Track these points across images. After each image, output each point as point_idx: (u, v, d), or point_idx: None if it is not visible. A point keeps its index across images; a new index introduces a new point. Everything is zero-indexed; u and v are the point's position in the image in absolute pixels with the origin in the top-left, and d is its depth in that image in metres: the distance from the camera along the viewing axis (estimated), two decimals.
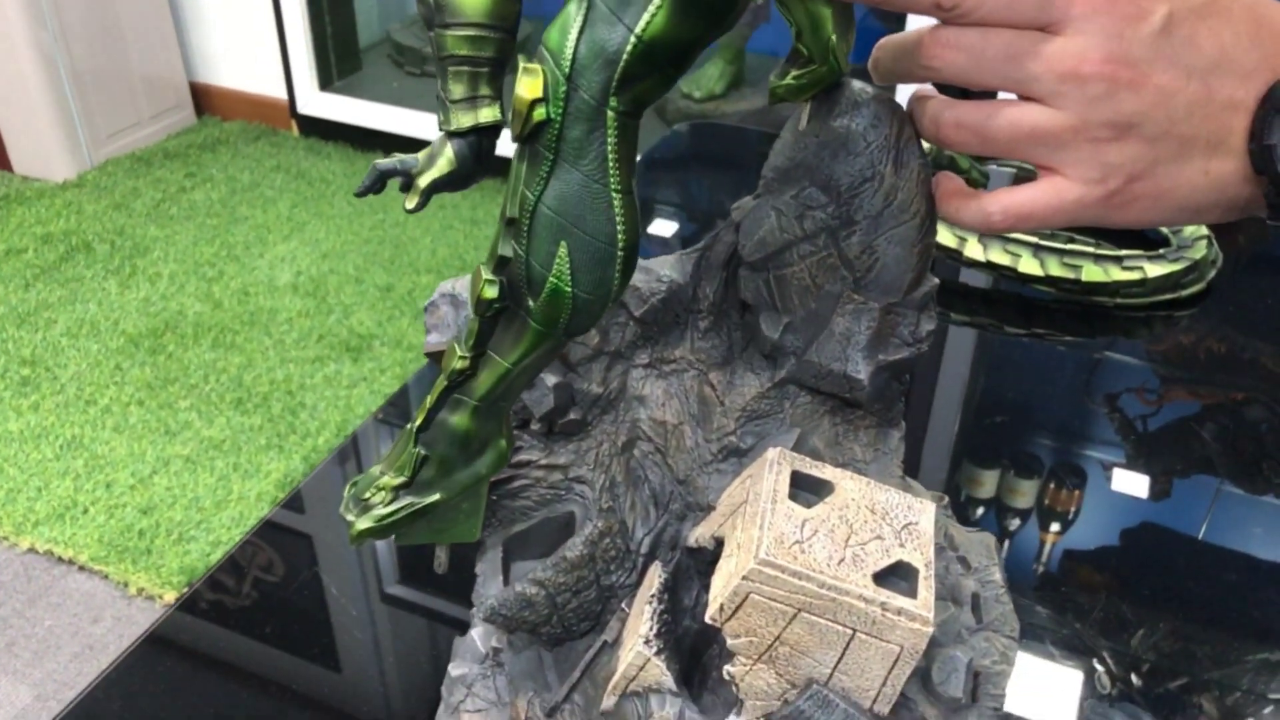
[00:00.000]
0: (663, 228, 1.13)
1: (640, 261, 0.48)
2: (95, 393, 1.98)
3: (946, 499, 0.59)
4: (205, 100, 3.18)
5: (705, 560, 0.49)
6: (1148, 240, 1.05)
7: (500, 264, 0.37)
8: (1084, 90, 0.36)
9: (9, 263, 2.39)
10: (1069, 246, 0.99)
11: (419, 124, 2.81)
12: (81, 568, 1.63)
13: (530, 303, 0.37)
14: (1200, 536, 0.77)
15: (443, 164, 0.37)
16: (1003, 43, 0.37)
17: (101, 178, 2.79)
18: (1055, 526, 0.80)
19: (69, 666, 1.49)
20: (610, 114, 0.34)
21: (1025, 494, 0.84)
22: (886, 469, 0.51)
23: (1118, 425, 0.89)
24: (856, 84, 0.46)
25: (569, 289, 0.36)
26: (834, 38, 0.41)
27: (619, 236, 0.36)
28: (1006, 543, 0.79)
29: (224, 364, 2.06)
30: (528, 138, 0.35)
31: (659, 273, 0.51)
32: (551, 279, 0.36)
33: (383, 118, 2.88)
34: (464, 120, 0.37)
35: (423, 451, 0.42)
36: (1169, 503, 0.81)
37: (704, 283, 0.51)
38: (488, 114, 0.37)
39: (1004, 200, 0.40)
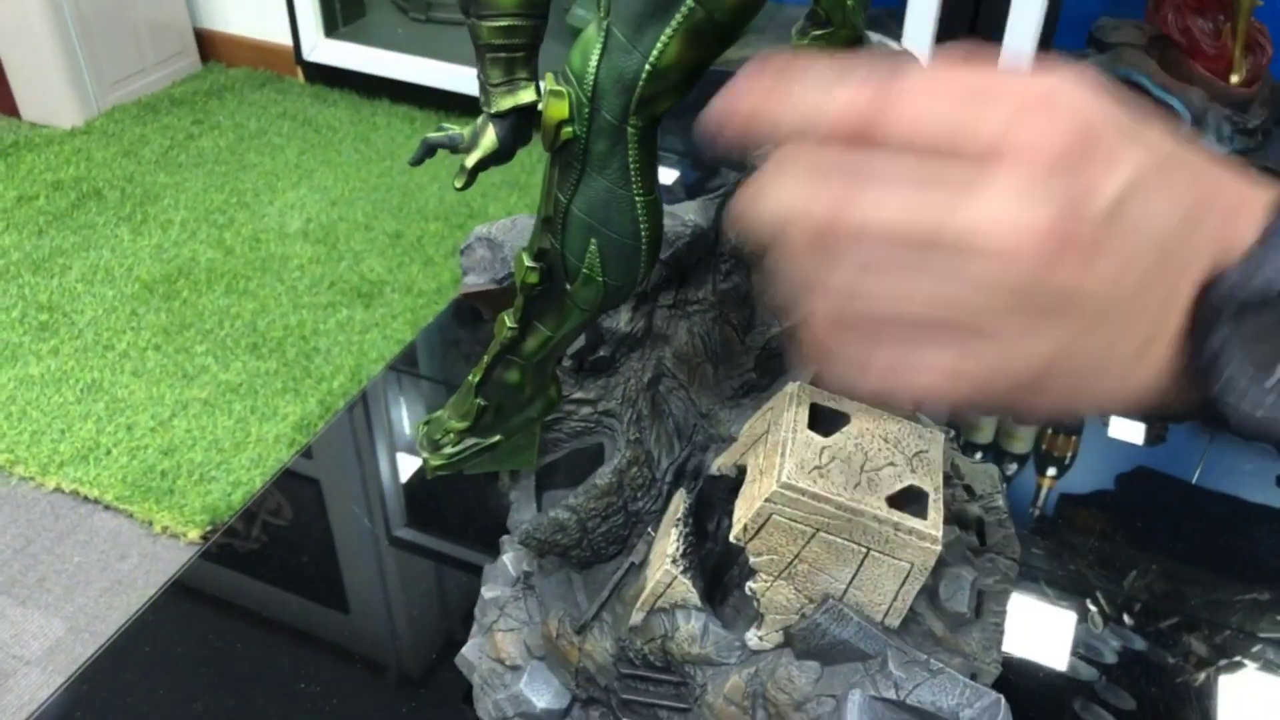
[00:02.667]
0: (665, 175, 1.15)
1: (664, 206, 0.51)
2: (113, 338, 2.01)
3: (953, 432, 0.62)
4: (210, 47, 3.17)
5: (726, 488, 0.52)
6: None
7: (540, 253, 0.41)
8: (1019, 263, 0.29)
9: (21, 209, 2.41)
10: None
11: (424, 71, 2.80)
12: (107, 507, 1.68)
13: (568, 286, 0.41)
14: (1194, 481, 0.80)
15: (487, 144, 0.41)
16: (930, 180, 0.30)
17: (109, 125, 2.79)
18: (1052, 471, 0.83)
19: (99, 601, 1.54)
20: (630, 130, 0.37)
21: (1023, 439, 0.87)
22: (898, 405, 0.54)
23: None
24: (875, 38, 0.48)
25: (600, 278, 0.40)
26: (851, 2, 0.44)
27: (643, 234, 0.39)
28: (1005, 485, 0.82)
29: (238, 309, 2.09)
30: (558, 150, 0.38)
31: (683, 218, 0.53)
32: (584, 270, 0.40)
33: (388, 64, 2.88)
34: (504, 103, 0.40)
35: (482, 402, 0.47)
36: (1164, 448, 0.84)
37: (727, 227, 0.54)
38: (525, 95, 0.40)
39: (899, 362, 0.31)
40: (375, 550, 0.74)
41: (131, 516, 1.66)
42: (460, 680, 0.59)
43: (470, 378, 0.47)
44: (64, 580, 1.57)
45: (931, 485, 0.46)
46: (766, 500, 0.44)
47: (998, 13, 2.14)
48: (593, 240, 0.39)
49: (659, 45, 0.34)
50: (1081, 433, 0.85)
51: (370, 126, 2.79)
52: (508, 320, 0.44)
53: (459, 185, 0.41)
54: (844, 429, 0.47)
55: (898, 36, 2.18)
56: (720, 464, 0.52)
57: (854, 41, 0.47)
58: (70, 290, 2.15)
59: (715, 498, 0.54)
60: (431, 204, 2.42)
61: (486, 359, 0.46)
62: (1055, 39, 2.47)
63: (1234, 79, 2.31)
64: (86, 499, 1.69)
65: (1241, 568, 0.72)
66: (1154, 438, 0.84)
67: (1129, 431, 0.84)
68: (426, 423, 0.50)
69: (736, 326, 0.54)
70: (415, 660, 0.66)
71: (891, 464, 0.46)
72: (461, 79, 2.69)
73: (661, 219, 0.40)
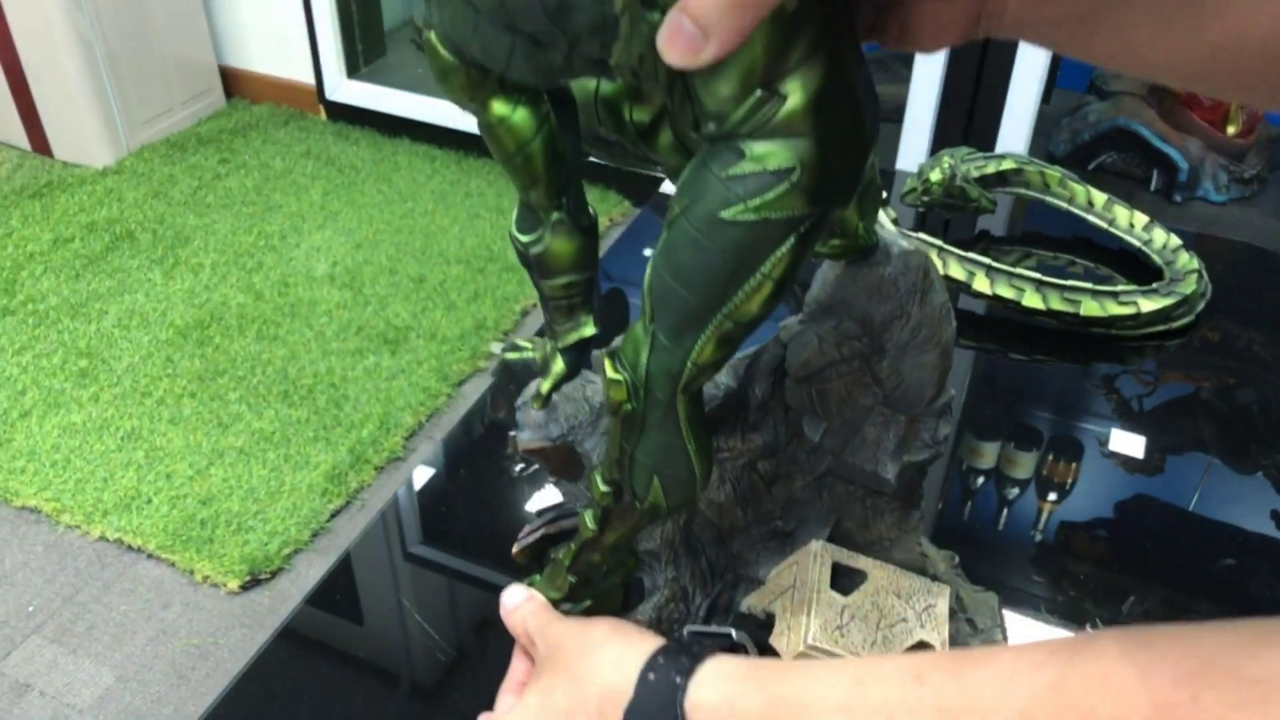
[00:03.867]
0: None
1: None
2: (149, 384, 2.09)
3: (957, 559, 0.68)
4: (234, 84, 3.25)
5: (756, 624, 0.58)
6: (1146, 274, 1.13)
7: (612, 480, 0.49)
8: None
9: (58, 252, 2.49)
10: (1069, 283, 1.08)
11: (442, 111, 2.87)
12: (150, 555, 1.75)
13: (637, 504, 0.48)
14: (1190, 509, 0.84)
15: (557, 371, 0.50)
16: None
17: (139, 164, 2.87)
18: (1052, 496, 0.89)
19: (145, 650, 1.61)
20: (680, 404, 0.43)
21: (1024, 465, 0.93)
22: (908, 545, 0.61)
23: (1114, 405, 0.98)
24: (888, 235, 0.54)
25: (664, 503, 0.47)
26: (860, 225, 0.50)
27: (697, 471, 0.46)
28: (1005, 511, 0.89)
29: (269, 356, 2.16)
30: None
31: (718, 379, 0.60)
32: (650, 499, 0.47)
33: (408, 105, 2.95)
34: (570, 338, 0.48)
35: (573, 579, 0.55)
36: (1162, 476, 0.88)
37: (755, 385, 0.60)
38: (587, 330, 0.49)
39: None
40: (390, 565, 0.82)
41: (173, 565, 1.73)
42: (469, 692, 0.65)
43: (561, 557, 0.55)
44: (111, 629, 1.64)
45: (939, 639, 0.52)
46: (796, 658, 0.51)
47: (992, 114, 2.19)
48: (655, 478, 0.46)
49: (697, 348, 0.40)
50: (1082, 459, 0.90)
51: (392, 166, 2.86)
52: (589, 521, 0.51)
53: (536, 408, 0.49)
54: (862, 587, 0.54)
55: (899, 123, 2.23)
56: (751, 604, 0.58)
57: (867, 247, 0.53)
58: (108, 336, 2.22)
59: (747, 629, 0.61)
60: (453, 247, 2.49)
61: (574, 546, 0.54)
62: (1058, 82, 2.53)
63: (1230, 129, 2.37)
64: (130, 548, 1.76)
65: (1237, 596, 0.76)
66: (1153, 466, 0.89)
67: (1128, 459, 0.88)
68: (531, 581, 0.58)
69: (764, 476, 0.61)
70: (427, 671, 0.73)
71: (904, 619, 0.53)
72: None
73: (712, 457, 0.47)
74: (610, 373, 0.44)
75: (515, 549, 0.62)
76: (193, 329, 2.24)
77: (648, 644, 0.45)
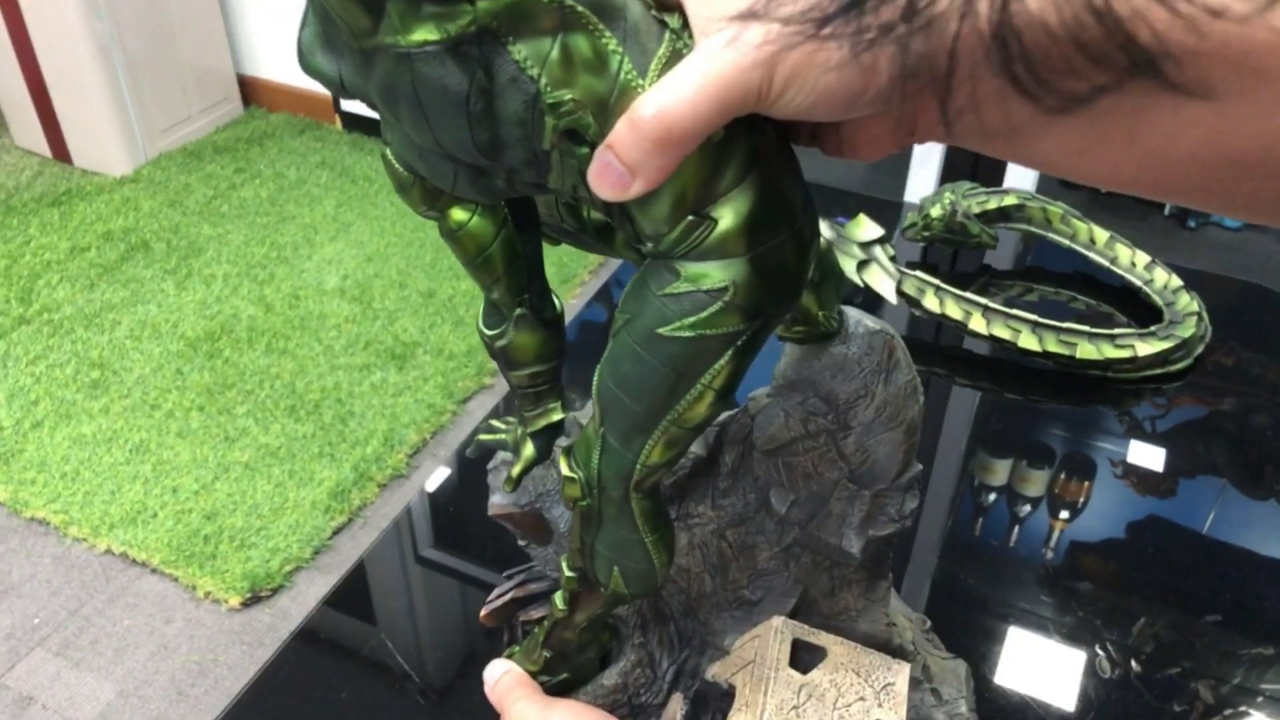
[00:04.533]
0: None
1: None
2: (159, 397, 2.11)
3: (929, 623, 0.68)
4: (251, 92, 3.27)
5: (719, 694, 0.59)
6: (1146, 313, 1.12)
7: (575, 567, 0.50)
8: None
9: (74, 261, 2.52)
10: (1065, 325, 1.08)
11: None
12: (154, 570, 1.77)
13: (601, 588, 0.49)
14: (1204, 532, 0.84)
15: (527, 455, 0.51)
16: None
17: (156, 173, 2.90)
18: (1064, 514, 0.89)
19: (146, 665, 1.63)
20: (633, 500, 0.44)
21: (1035, 483, 0.93)
22: (874, 615, 0.61)
23: (1127, 426, 0.98)
24: (853, 314, 0.55)
25: (625, 591, 0.48)
26: (820, 314, 0.51)
27: (655, 563, 0.47)
28: (1016, 529, 0.89)
29: (277, 369, 2.18)
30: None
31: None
32: (612, 587, 0.48)
33: None
34: (539, 424, 0.49)
35: (548, 654, 0.56)
36: (1175, 499, 0.88)
37: (724, 453, 0.61)
38: (555, 415, 0.50)
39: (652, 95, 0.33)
40: (403, 568, 0.85)
41: (176, 580, 1.75)
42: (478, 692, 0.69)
43: (537, 633, 0.56)
44: (114, 643, 1.66)
45: (895, 717, 0.53)
46: None
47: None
48: (615, 568, 0.47)
49: (645, 451, 0.41)
50: (1094, 479, 0.90)
51: None
52: (559, 602, 0.52)
53: (508, 490, 0.50)
54: (821, 664, 0.54)
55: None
56: (715, 673, 0.59)
57: (830, 333, 0.54)
58: (119, 347, 2.25)
59: (710, 698, 0.61)
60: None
61: (548, 624, 0.55)
62: None
63: None
64: (135, 561, 1.78)
65: (1249, 621, 0.75)
66: (1166, 489, 0.89)
67: (1142, 480, 0.89)
68: (511, 653, 0.59)
69: (732, 545, 0.61)
70: (438, 672, 0.76)
71: (861, 699, 0.53)
72: None
73: (673, 547, 0.48)
74: (565, 470, 0.44)
75: (483, 613, 0.63)
76: (203, 341, 2.26)
77: None
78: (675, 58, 0.32)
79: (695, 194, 0.34)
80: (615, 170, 0.31)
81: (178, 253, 2.56)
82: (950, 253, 1.31)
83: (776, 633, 0.55)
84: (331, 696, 0.79)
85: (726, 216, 0.34)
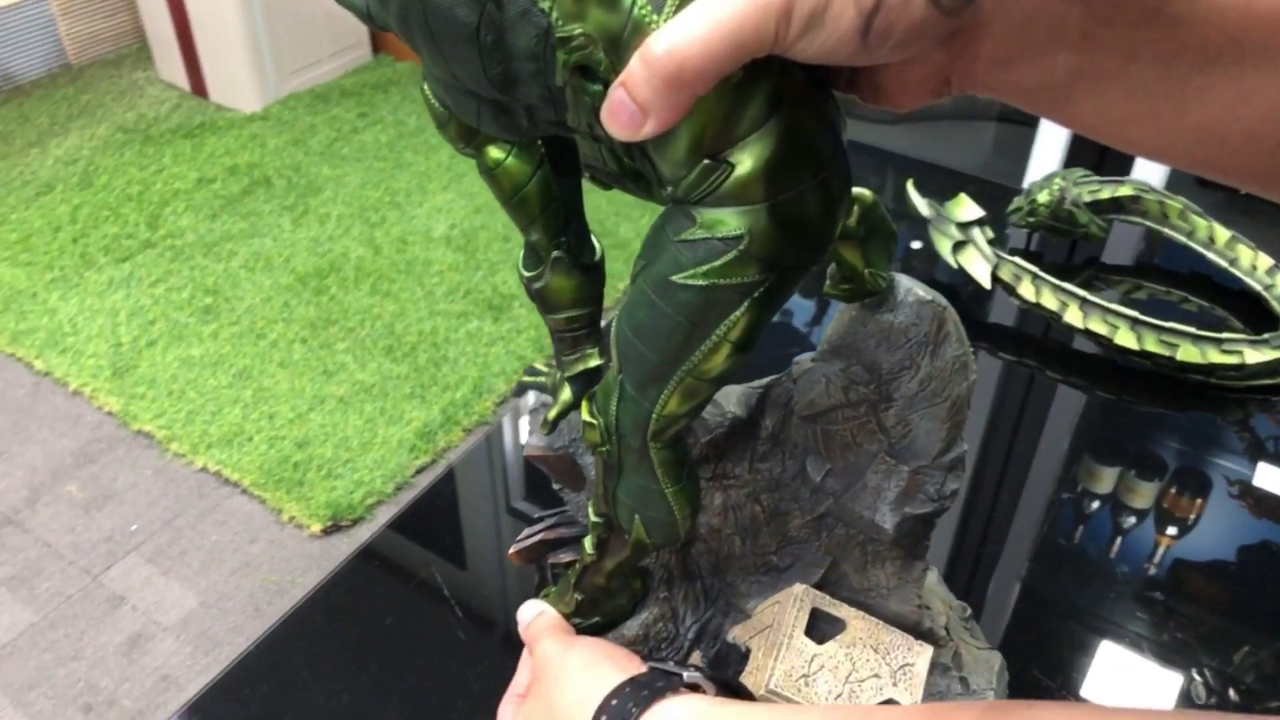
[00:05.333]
0: None
1: None
2: (265, 327, 2.19)
3: (969, 611, 0.66)
4: (381, 40, 3.34)
5: (737, 656, 0.58)
6: (1266, 321, 1.06)
7: (601, 513, 0.50)
8: None
9: (200, 191, 2.63)
10: (1168, 324, 1.02)
11: None
12: (244, 491, 1.84)
13: (626, 536, 0.49)
14: None
15: (564, 399, 0.52)
16: None
17: (284, 112, 2.99)
18: (1171, 530, 0.85)
19: (229, 580, 1.70)
20: (652, 450, 0.43)
21: (1144, 495, 0.89)
22: (906, 596, 0.59)
23: (1247, 444, 0.93)
24: (905, 283, 0.52)
25: (646, 540, 0.48)
26: (867, 271, 0.49)
27: (677, 514, 0.46)
28: (1119, 540, 0.85)
29: (379, 310, 2.23)
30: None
31: (725, 407, 0.59)
32: (634, 535, 0.48)
33: None
34: (575, 369, 0.49)
35: (580, 596, 0.56)
36: None
37: (766, 417, 0.59)
38: (591, 361, 0.50)
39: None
40: (494, 518, 0.89)
41: (264, 503, 1.82)
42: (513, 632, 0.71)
43: (569, 575, 0.56)
44: (201, 556, 1.74)
45: (910, 699, 0.51)
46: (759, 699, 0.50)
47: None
48: (636, 516, 0.47)
49: (661, 401, 0.40)
50: (1208, 496, 0.86)
51: None
52: (588, 547, 0.53)
53: (543, 432, 0.51)
54: (838, 636, 0.53)
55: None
56: (735, 634, 0.58)
57: (877, 293, 0.52)
58: (234, 276, 2.34)
59: (731, 659, 0.60)
60: None
61: (578, 569, 0.55)
62: None
63: None
64: (227, 481, 1.86)
65: None
66: None
67: (1260, 503, 0.84)
68: (547, 594, 0.60)
69: (765, 509, 0.60)
70: (480, 608, 0.79)
71: (876, 675, 0.51)
72: None
73: (696, 498, 0.47)
74: (585, 416, 0.44)
75: (512, 550, 0.63)
76: (312, 277, 2.33)
77: (613, 679, 0.46)
78: None
79: (712, 136, 0.33)
80: (627, 109, 0.30)
81: (296, 190, 2.64)
82: (1067, 243, 1.25)
83: (796, 600, 0.53)
84: (378, 622, 0.81)
85: (745, 161, 0.33)
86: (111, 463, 1.91)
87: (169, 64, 3.13)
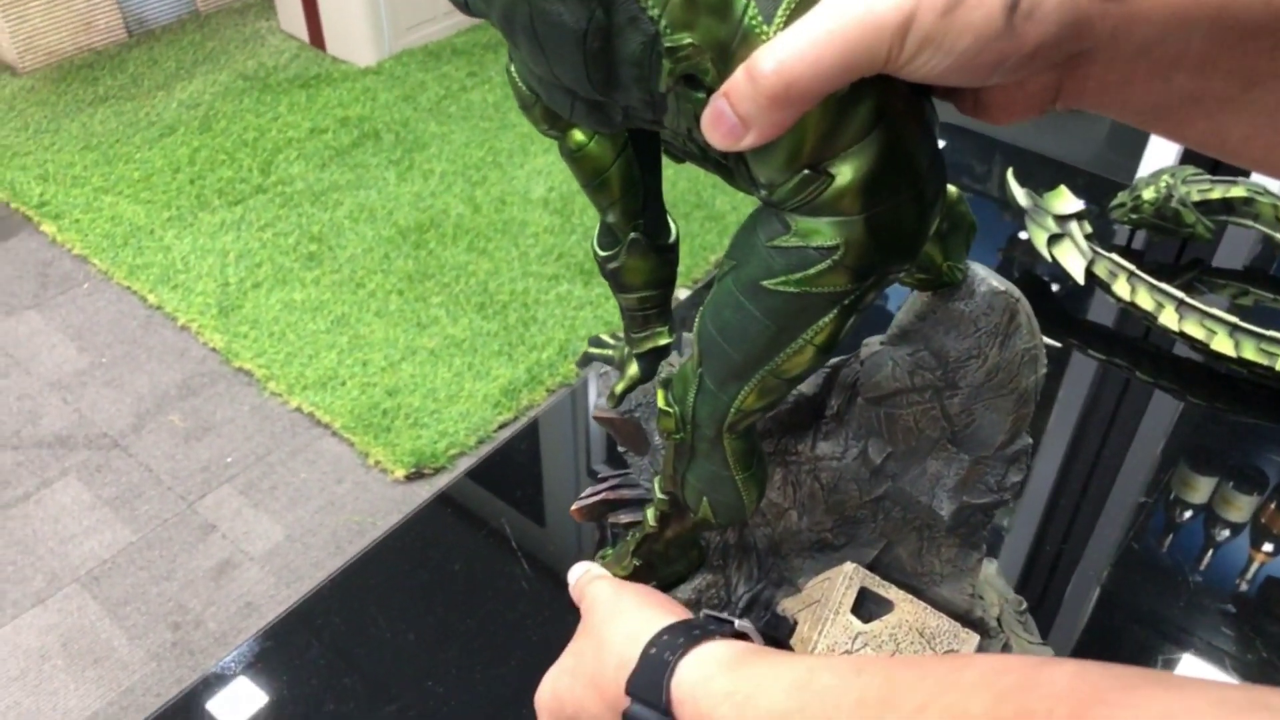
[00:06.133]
0: None
1: None
2: (365, 277, 2.25)
3: (1025, 605, 0.66)
4: None
5: (787, 628, 0.59)
6: None
7: (668, 491, 0.51)
8: None
9: (312, 141, 2.71)
10: (1269, 333, 0.98)
11: None
12: (334, 433, 1.91)
13: (693, 515, 0.50)
14: None
15: (631, 374, 0.52)
16: None
17: (396, 67, 3.06)
18: (1267, 547, 0.83)
19: (314, 516, 1.77)
20: (726, 440, 0.44)
21: (1240, 508, 0.87)
22: (960, 585, 0.59)
23: None
24: (979, 272, 0.52)
25: (713, 520, 0.49)
26: (945, 264, 0.49)
27: (744, 499, 0.47)
28: (1210, 552, 0.84)
29: (474, 267, 2.28)
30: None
31: None
32: (700, 515, 0.49)
33: None
34: (645, 345, 0.50)
35: (638, 562, 0.58)
36: None
37: (832, 397, 0.60)
38: (661, 340, 0.51)
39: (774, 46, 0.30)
40: (576, 480, 0.93)
41: (352, 446, 1.88)
42: None
43: (628, 539, 0.58)
44: (290, 492, 1.81)
45: None
46: None
47: None
48: (704, 499, 0.48)
49: (740, 397, 0.41)
50: None
51: None
52: (649, 518, 0.54)
53: (610, 405, 0.52)
54: (884, 617, 0.53)
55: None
56: (784, 607, 0.59)
57: (954, 281, 0.52)
58: (338, 225, 2.41)
59: (780, 631, 0.61)
60: (665, 189, 2.52)
61: (638, 535, 0.56)
62: None
63: None
64: (319, 422, 1.93)
65: None
66: None
67: None
68: (604, 555, 0.61)
69: (824, 487, 0.60)
70: (546, 562, 0.83)
71: None
72: None
73: (764, 485, 0.48)
74: (661, 404, 0.45)
75: (574, 507, 0.65)
76: (412, 231, 2.39)
77: (663, 620, 0.47)
78: (805, 5, 0.30)
79: (813, 148, 0.33)
80: (728, 120, 0.30)
81: (404, 145, 2.70)
82: (1176, 244, 1.21)
83: (846, 578, 0.54)
84: (448, 566, 0.85)
85: (844, 173, 0.33)
86: (212, 397, 2.00)
87: (291, 15, 3.22)
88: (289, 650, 0.78)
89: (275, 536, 1.73)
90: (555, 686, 0.51)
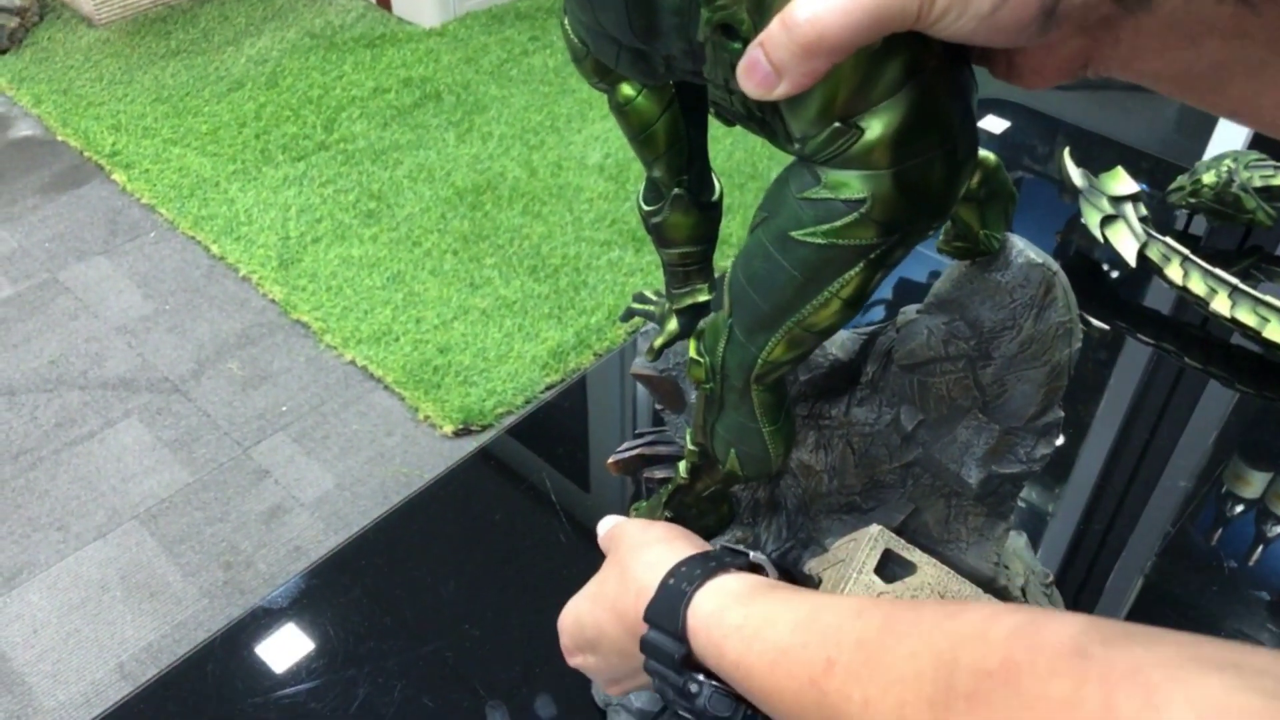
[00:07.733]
0: None
1: None
2: (421, 235, 2.29)
3: (1050, 577, 0.66)
4: None
5: (812, 585, 0.60)
6: None
7: (698, 443, 0.52)
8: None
9: (375, 100, 2.74)
10: None
11: None
12: (386, 387, 1.95)
13: (721, 467, 0.51)
14: None
15: (670, 330, 0.54)
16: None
17: (460, 30, 3.08)
18: None
19: (364, 467, 1.82)
20: (754, 392, 0.45)
21: None
22: (985, 553, 0.60)
23: None
24: (1017, 243, 0.53)
25: (740, 472, 0.50)
26: (982, 232, 0.49)
27: (771, 452, 0.48)
28: (1260, 549, 0.84)
29: (528, 230, 2.30)
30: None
31: (827, 350, 0.61)
32: (728, 467, 0.50)
33: None
34: (684, 301, 0.52)
35: (669, 514, 0.59)
36: None
37: (868, 364, 0.61)
38: (701, 296, 0.53)
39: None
40: (618, 440, 0.95)
41: (403, 400, 1.92)
42: None
43: (660, 493, 0.59)
44: (341, 442, 1.86)
45: None
46: None
47: None
48: (732, 450, 0.49)
49: (768, 347, 0.42)
50: None
51: None
52: (681, 470, 0.55)
53: (649, 359, 0.54)
54: (906, 579, 0.54)
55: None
56: (810, 566, 0.60)
57: (990, 253, 0.52)
58: (397, 184, 2.44)
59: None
60: (719, 159, 2.52)
61: (670, 488, 0.58)
62: None
63: None
64: (372, 376, 1.98)
65: None
66: None
67: None
68: (637, 508, 0.63)
69: (856, 450, 0.61)
70: (583, 518, 0.85)
71: None
72: None
73: (792, 437, 0.49)
74: (692, 353, 0.46)
75: (610, 460, 0.67)
76: (469, 192, 2.42)
77: (684, 552, 0.49)
78: None
79: (845, 100, 0.33)
80: (762, 69, 0.31)
81: (464, 107, 2.73)
82: (1239, 231, 1.18)
83: (871, 539, 0.55)
84: (488, 517, 0.87)
85: (875, 127, 0.34)
86: (270, 347, 2.05)
87: None
88: (333, 589, 0.81)
89: (325, 484, 1.78)
90: (577, 610, 0.53)
